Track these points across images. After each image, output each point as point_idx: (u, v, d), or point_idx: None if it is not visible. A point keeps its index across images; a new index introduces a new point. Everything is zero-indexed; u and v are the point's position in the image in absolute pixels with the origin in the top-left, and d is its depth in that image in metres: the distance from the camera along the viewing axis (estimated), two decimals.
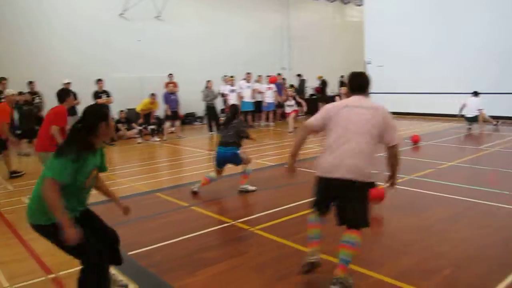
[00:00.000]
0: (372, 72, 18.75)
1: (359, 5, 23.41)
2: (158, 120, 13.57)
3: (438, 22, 16.17)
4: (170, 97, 13.19)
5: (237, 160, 6.43)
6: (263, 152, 10.06)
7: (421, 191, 6.28)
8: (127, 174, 8.38)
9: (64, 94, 6.25)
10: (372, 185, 3.43)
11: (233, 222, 5.05)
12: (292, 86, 19.34)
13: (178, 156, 10.31)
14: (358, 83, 3.63)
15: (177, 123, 13.65)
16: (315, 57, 21.32)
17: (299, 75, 18.76)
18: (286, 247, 4.26)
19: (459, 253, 4.01)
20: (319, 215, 3.58)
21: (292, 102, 14.04)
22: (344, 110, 3.45)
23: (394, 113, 16.11)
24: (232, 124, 6.47)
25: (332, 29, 22.80)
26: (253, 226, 4.87)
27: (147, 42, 15.81)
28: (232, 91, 14.48)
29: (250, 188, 6.50)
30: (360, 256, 3.97)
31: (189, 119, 16.97)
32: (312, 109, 16.11)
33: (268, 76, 16.12)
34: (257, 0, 19.51)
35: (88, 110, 3.06)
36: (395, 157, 3.58)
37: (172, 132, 13.89)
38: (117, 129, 12.81)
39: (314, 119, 3.58)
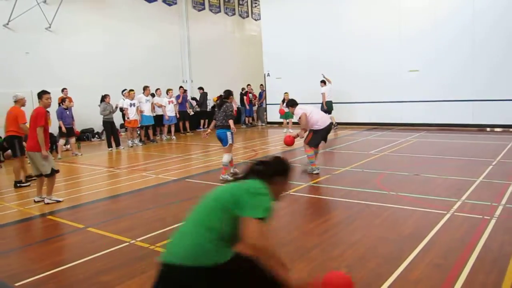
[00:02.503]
0: (271, 84, 19.55)
1: (257, 20, 24.22)
2: (51, 138, 12.68)
3: (333, 33, 17.26)
4: (65, 113, 12.44)
5: (224, 140, 7.82)
6: (165, 166, 9.90)
7: (318, 196, 6.63)
8: (15, 197, 7.75)
9: (40, 93, 6.93)
10: None
11: (132, 241, 4.88)
12: (193, 99, 19.40)
13: (74, 174, 9.74)
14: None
15: (72, 140, 12.90)
16: (216, 69, 21.54)
17: (201, 88, 18.78)
18: None
19: (352, 254, 4.28)
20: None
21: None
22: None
23: (294, 123, 17.12)
24: (222, 108, 7.88)
25: (232, 42, 23.25)
26: (153, 244, 4.75)
27: (37, 55, 14.82)
28: (132, 105, 14.06)
29: (230, 178, 7.38)
30: None
31: (86, 135, 16.15)
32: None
33: (169, 89, 15.90)
34: (156, 12, 19.24)
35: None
36: None
37: (67, 150, 13.12)
38: (4, 148, 11.77)
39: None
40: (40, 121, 6.65)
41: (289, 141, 8.00)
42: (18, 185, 8.50)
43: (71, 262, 4.39)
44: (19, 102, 8.62)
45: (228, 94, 8.19)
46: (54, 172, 6.81)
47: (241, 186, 2.48)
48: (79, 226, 5.64)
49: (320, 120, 8.05)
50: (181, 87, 17.95)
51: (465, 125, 14.62)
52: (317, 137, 8.11)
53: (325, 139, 8.34)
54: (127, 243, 4.84)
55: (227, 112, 7.88)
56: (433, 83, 15.00)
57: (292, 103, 8.36)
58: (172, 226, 5.36)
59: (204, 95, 18.92)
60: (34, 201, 7.00)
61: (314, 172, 8.04)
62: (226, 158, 7.83)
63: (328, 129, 8.17)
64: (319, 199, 6.55)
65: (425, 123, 15.31)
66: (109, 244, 4.86)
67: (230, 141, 7.87)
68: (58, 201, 6.87)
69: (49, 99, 6.95)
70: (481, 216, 5.18)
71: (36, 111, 6.81)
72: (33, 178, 8.21)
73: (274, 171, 2.64)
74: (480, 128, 14.33)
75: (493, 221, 4.98)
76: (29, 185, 8.55)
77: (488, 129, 14.26)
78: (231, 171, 8.07)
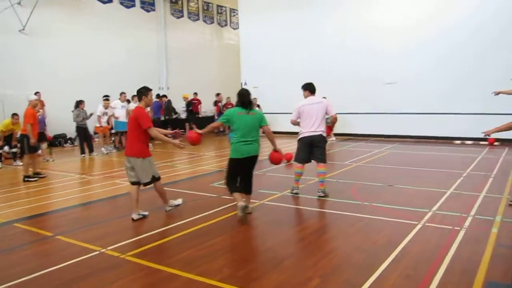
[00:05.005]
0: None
1: (235, 29, 24.30)
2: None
3: (310, 43, 17.45)
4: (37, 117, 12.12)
5: None
6: None
7: (293, 206, 6.63)
8: None
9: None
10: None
11: (102, 250, 4.77)
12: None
13: (44, 181, 9.49)
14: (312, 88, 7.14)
15: (44, 145, 12.60)
16: (193, 77, 21.44)
17: (164, 96, 18.55)
18: (160, 273, 4.14)
19: (327, 263, 4.28)
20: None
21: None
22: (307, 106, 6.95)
23: (275, 132, 17.01)
24: None
25: (210, 51, 23.24)
26: (124, 253, 4.66)
27: (9, 58, 14.47)
28: (105, 113, 13.86)
29: None
30: (235, 274, 4.05)
31: (58, 141, 15.80)
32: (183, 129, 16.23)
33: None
34: (134, 18, 19.09)
35: None
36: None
37: (38, 155, 12.79)
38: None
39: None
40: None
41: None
42: (26, 179, 9.38)
43: (39, 271, 4.25)
44: (31, 103, 9.70)
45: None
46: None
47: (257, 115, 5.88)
48: (48, 234, 5.49)
49: (305, 125, 6.99)
50: (158, 94, 17.85)
51: (436, 137, 14.93)
52: (299, 149, 7.22)
53: (310, 155, 7.06)
54: (97, 252, 4.73)
55: None
56: (407, 96, 15.29)
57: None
58: (145, 235, 5.29)
59: (168, 103, 18.80)
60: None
61: (293, 191, 7.26)
62: None
63: (308, 141, 6.99)
64: (294, 208, 6.56)
65: (398, 134, 15.58)
66: (78, 252, 4.73)
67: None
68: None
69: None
70: (451, 227, 5.27)
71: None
72: (42, 175, 9.71)
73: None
74: (450, 140, 14.67)
75: (462, 232, 5.08)
76: (36, 180, 9.39)
77: (458, 141, 14.61)
78: None
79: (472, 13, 14.09)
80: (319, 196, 6.95)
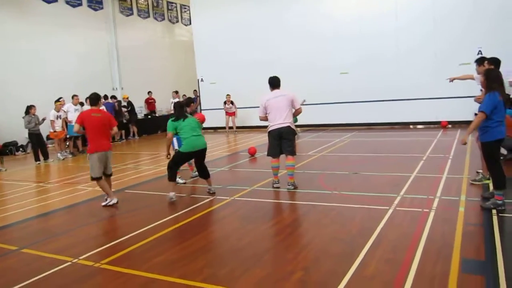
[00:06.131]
0: (204, 89, 19.37)
1: (187, 25, 23.96)
2: None
3: (266, 34, 17.47)
4: None
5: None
6: None
7: (264, 200, 6.61)
8: None
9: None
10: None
11: (74, 260, 4.56)
12: (124, 106, 18.64)
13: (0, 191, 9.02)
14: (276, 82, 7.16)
15: None
16: (147, 76, 20.99)
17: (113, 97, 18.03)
18: (139, 278, 4.00)
19: (306, 255, 4.28)
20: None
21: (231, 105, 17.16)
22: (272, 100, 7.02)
23: (239, 127, 17.10)
24: None
25: (163, 48, 22.79)
26: (98, 262, 4.47)
27: None
28: (58, 117, 13.31)
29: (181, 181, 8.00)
30: (215, 273, 3.98)
31: (9, 149, 15.03)
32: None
33: None
34: (81, 18, 18.34)
35: None
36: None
37: None
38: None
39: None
40: None
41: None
42: None
43: None
44: None
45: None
46: None
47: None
48: (12, 248, 5.19)
49: (272, 118, 7.01)
50: (112, 96, 17.36)
51: (391, 123, 15.39)
52: (270, 143, 7.19)
53: (281, 148, 7.05)
54: (69, 263, 4.51)
55: None
56: (360, 85, 15.63)
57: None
58: (116, 241, 5.10)
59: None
60: None
61: (274, 185, 7.22)
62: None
63: (277, 134, 6.96)
64: (266, 202, 6.53)
65: (354, 123, 15.92)
66: (49, 265, 4.49)
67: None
68: None
69: None
70: (420, 210, 5.43)
71: None
72: None
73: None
74: (404, 125, 15.16)
75: (432, 213, 5.24)
76: None
77: (411, 126, 15.11)
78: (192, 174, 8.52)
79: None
80: (289, 189, 6.97)
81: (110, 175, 7.12)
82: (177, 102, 7.22)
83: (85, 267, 4.37)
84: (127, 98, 18.29)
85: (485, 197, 5.65)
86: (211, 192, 7.01)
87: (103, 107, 15.01)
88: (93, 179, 6.80)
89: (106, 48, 19.65)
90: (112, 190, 7.09)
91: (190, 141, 6.68)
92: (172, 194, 6.73)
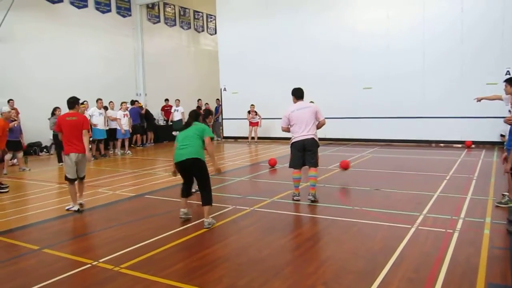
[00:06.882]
0: (226, 99, 19.48)
1: (212, 34, 24.21)
2: None
3: (292, 47, 17.51)
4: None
5: None
6: (121, 182, 9.54)
7: (284, 212, 6.57)
8: None
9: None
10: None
11: (94, 263, 4.59)
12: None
13: (22, 191, 9.16)
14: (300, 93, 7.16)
15: (20, 154, 12.20)
16: (171, 83, 21.24)
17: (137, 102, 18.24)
18: (158, 285, 4.00)
19: (326, 270, 4.23)
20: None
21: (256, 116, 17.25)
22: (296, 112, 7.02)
23: (260, 138, 17.13)
24: None
25: (187, 56, 23.07)
26: (118, 266, 4.49)
27: None
28: None
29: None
30: (234, 283, 3.96)
31: (34, 149, 15.33)
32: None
33: (123, 102, 15.48)
34: (110, 24, 18.74)
35: None
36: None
37: (13, 165, 12.39)
38: None
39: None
40: None
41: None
42: None
43: None
44: (4, 115, 9.60)
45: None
46: None
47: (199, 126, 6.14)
48: (34, 248, 5.26)
49: (296, 130, 7.03)
50: (136, 101, 17.60)
51: (413, 140, 15.18)
52: (292, 154, 7.23)
53: (304, 159, 7.08)
54: (89, 265, 4.55)
55: None
56: (383, 100, 15.50)
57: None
58: (135, 246, 5.12)
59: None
60: None
61: (294, 198, 7.17)
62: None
63: (301, 146, 6.98)
64: (286, 215, 6.48)
65: (376, 139, 15.77)
66: (69, 266, 4.54)
67: None
68: None
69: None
70: (444, 230, 5.32)
71: None
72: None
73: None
74: (426, 143, 14.94)
75: (456, 234, 5.12)
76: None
77: (433, 144, 14.88)
78: None
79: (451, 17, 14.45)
80: (309, 200, 6.93)
81: (83, 178, 7.36)
82: (193, 110, 6.45)
83: (105, 270, 4.40)
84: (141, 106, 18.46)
85: (511, 220, 5.50)
86: (206, 226, 5.77)
87: (126, 112, 15.27)
88: (66, 179, 7.14)
89: (132, 54, 20.00)
90: (132, 195, 7.14)
91: (176, 151, 5.97)
92: (181, 211, 6.20)
